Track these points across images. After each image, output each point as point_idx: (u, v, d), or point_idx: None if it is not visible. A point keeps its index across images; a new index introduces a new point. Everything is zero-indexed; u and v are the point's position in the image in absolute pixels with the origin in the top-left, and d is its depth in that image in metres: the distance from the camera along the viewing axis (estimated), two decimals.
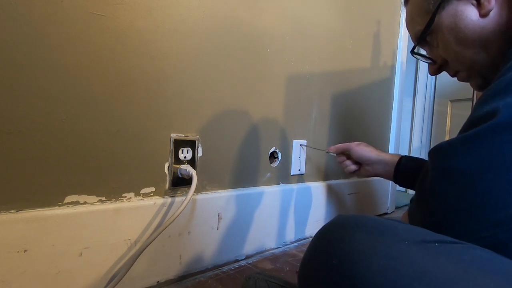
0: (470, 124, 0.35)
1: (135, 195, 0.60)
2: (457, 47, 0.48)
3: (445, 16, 0.47)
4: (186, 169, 0.64)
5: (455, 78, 0.55)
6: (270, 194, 0.86)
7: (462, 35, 0.46)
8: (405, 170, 0.70)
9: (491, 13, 0.44)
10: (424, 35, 0.50)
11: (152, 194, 0.63)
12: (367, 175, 0.78)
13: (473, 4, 0.45)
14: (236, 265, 0.77)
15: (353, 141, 0.82)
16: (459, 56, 0.49)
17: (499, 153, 0.31)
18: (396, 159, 0.73)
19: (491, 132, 0.31)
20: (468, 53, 0.47)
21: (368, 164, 0.76)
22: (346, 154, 0.81)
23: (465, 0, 0.45)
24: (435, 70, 0.55)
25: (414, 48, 0.54)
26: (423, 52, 0.56)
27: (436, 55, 0.53)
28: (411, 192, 1.97)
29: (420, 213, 0.38)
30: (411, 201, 0.43)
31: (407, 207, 1.52)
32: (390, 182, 1.39)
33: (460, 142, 0.34)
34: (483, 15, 0.44)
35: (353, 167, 0.79)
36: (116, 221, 0.57)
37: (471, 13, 0.45)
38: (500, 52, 0.44)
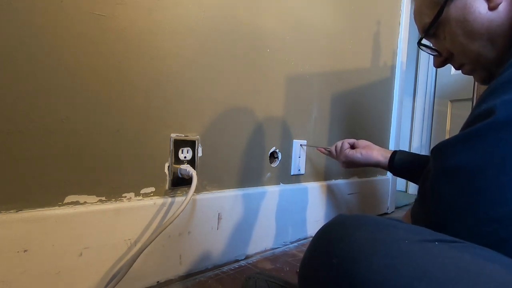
0: (469, 122, 0.35)
1: (135, 195, 0.60)
2: (464, 40, 0.47)
3: (454, 8, 0.47)
4: (186, 169, 0.64)
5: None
6: (270, 194, 0.86)
7: (470, 28, 0.46)
8: (399, 161, 0.74)
9: (500, 7, 0.44)
10: (432, 27, 0.50)
11: (152, 194, 0.63)
12: (362, 156, 0.77)
13: None
14: (236, 265, 0.77)
15: None
16: (466, 49, 0.48)
17: (497, 151, 0.31)
18: (390, 152, 0.76)
19: (488, 130, 0.32)
20: (475, 46, 0.47)
21: (368, 147, 0.79)
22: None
23: None
24: (440, 62, 0.55)
25: (421, 39, 0.54)
26: (429, 44, 0.56)
27: (442, 47, 0.53)
28: (411, 192, 1.97)
29: (423, 213, 0.38)
30: (415, 201, 0.43)
31: (407, 207, 1.52)
32: (390, 182, 1.40)
33: (459, 141, 0.35)
34: (492, 8, 0.44)
35: (347, 144, 0.82)
36: (116, 221, 0.57)
37: (480, 6, 0.45)
38: (507, 47, 0.45)
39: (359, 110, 1.19)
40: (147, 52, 0.60)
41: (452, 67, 0.55)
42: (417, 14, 0.54)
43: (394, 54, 1.36)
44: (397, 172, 0.76)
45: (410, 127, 1.98)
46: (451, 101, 1.79)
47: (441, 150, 0.37)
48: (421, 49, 0.56)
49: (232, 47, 0.74)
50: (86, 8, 0.52)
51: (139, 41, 0.59)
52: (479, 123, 0.33)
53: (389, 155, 0.76)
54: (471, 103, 1.48)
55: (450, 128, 1.81)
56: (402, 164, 0.74)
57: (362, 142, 0.82)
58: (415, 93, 1.96)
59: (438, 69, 1.84)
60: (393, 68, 1.37)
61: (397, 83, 1.39)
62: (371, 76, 1.23)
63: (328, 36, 1.00)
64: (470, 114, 0.36)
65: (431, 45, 0.55)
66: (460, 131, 0.36)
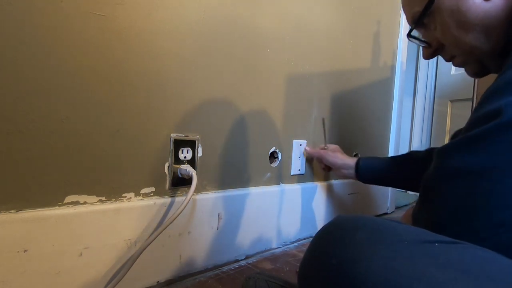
0: (473, 123, 0.34)
1: (135, 195, 0.60)
2: (457, 31, 0.45)
3: None
4: (186, 169, 0.64)
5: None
6: (270, 194, 0.86)
7: (464, 19, 0.44)
8: (364, 168, 0.82)
9: None
10: (423, 17, 0.48)
11: (152, 194, 0.63)
12: (338, 176, 0.91)
13: None
14: (236, 265, 0.77)
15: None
16: (458, 41, 0.46)
17: (503, 153, 0.30)
18: (355, 161, 0.85)
19: (495, 132, 0.31)
20: (468, 38, 0.45)
21: (336, 169, 0.89)
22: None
23: None
24: (429, 54, 0.53)
25: (411, 31, 0.52)
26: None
27: (432, 38, 0.51)
28: (411, 192, 1.97)
29: (424, 213, 0.38)
30: (416, 203, 0.43)
31: (407, 207, 1.52)
32: None
33: (464, 143, 0.34)
34: None
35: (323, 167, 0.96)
36: (116, 221, 0.57)
37: None
38: (502, 39, 0.43)
39: (359, 110, 1.19)
40: (147, 52, 0.60)
41: (453, 65, 0.53)
42: (406, 3, 0.52)
43: (394, 54, 1.35)
44: (366, 182, 0.85)
45: (410, 127, 1.98)
46: (451, 101, 1.79)
47: (446, 151, 0.36)
48: (411, 40, 0.54)
49: (232, 47, 0.74)
50: (86, 8, 0.52)
51: (139, 41, 0.59)
52: (484, 124, 0.32)
53: (352, 174, 0.84)
54: (471, 103, 1.48)
55: (450, 128, 1.81)
56: (370, 174, 0.82)
57: (325, 160, 0.91)
58: (415, 93, 1.96)
59: (438, 69, 1.84)
60: (393, 68, 1.37)
61: (397, 83, 1.39)
62: (371, 76, 1.23)
63: (328, 36, 1.00)
64: (472, 114, 0.35)
65: (420, 35, 0.53)
66: (463, 132, 0.35)
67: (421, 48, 0.55)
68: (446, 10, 0.45)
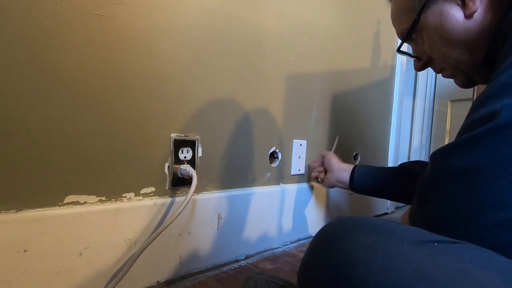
0: (468, 127, 0.34)
1: (135, 195, 0.60)
2: (443, 47, 0.48)
3: (431, 15, 0.47)
4: (186, 169, 0.64)
5: None
6: (270, 194, 0.86)
7: (448, 36, 0.46)
8: (359, 174, 0.81)
9: (476, 15, 0.44)
10: (410, 33, 0.51)
11: (152, 194, 0.63)
12: (329, 183, 0.86)
13: (458, 5, 0.45)
14: (236, 265, 0.77)
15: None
16: (445, 56, 0.49)
17: (500, 154, 0.30)
18: (352, 167, 0.83)
19: (491, 133, 0.31)
20: (453, 53, 0.48)
21: (331, 171, 0.85)
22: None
23: (450, 0, 0.45)
24: (420, 66, 0.55)
25: (400, 46, 0.55)
26: (409, 48, 0.57)
27: (421, 51, 0.54)
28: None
29: (421, 214, 0.38)
30: (413, 204, 0.43)
31: (406, 207, 1.52)
32: None
33: (459, 144, 0.34)
34: (468, 16, 0.44)
35: (318, 173, 0.92)
36: (116, 221, 0.57)
37: (456, 14, 0.45)
38: (483, 52, 0.45)
39: (359, 110, 1.19)
40: (147, 52, 0.60)
41: (442, 76, 0.55)
42: (394, 19, 0.55)
43: (394, 54, 1.35)
44: (359, 192, 0.83)
45: (410, 127, 1.98)
46: (451, 101, 1.79)
47: (442, 153, 0.36)
48: (401, 55, 0.57)
49: (232, 47, 0.74)
50: (86, 8, 0.52)
51: (139, 41, 0.59)
52: (480, 127, 0.32)
53: (346, 179, 0.82)
54: (471, 103, 1.48)
55: (450, 128, 1.81)
56: (363, 186, 0.81)
57: (325, 160, 0.88)
58: (415, 93, 1.96)
59: None
60: (393, 68, 1.37)
61: (397, 83, 1.39)
62: (371, 76, 1.23)
63: (328, 36, 1.00)
64: (466, 119, 0.36)
65: (411, 49, 0.56)
66: (458, 135, 0.35)
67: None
68: (431, 27, 0.48)
